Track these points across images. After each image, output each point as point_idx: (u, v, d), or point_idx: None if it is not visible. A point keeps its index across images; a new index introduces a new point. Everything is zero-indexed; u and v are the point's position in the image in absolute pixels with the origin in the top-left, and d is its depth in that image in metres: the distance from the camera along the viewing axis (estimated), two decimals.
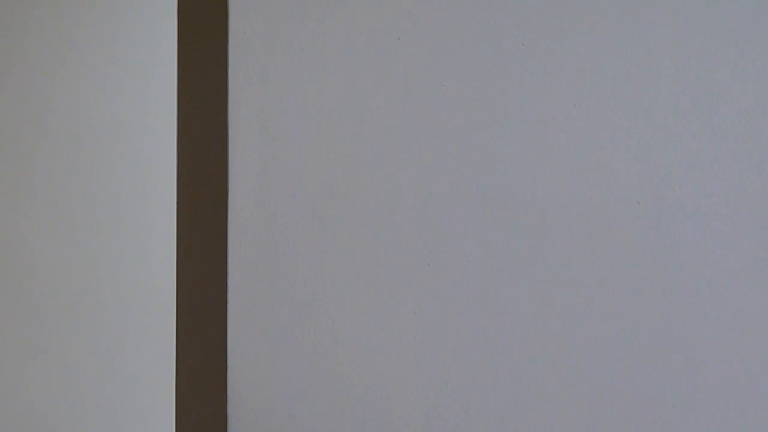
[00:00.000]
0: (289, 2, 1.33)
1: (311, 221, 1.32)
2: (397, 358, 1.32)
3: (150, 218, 3.38)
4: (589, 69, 1.37)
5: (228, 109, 1.31)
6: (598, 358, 1.35)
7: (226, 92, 1.31)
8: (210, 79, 1.34)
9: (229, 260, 1.30)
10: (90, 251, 3.34)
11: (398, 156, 1.34)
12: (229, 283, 1.30)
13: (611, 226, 1.36)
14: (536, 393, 1.34)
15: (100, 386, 3.33)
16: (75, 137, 3.34)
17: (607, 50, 1.37)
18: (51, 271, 3.32)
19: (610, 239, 1.36)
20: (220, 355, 1.30)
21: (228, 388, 1.29)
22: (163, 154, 3.33)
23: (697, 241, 1.37)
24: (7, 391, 3.28)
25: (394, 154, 1.34)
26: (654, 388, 1.36)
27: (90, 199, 3.35)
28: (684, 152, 1.38)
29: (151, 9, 3.39)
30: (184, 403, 1.40)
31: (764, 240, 1.38)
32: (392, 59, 1.34)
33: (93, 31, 3.36)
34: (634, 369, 1.36)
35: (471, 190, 1.34)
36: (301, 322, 1.31)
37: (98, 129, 3.36)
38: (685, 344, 1.36)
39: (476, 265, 1.34)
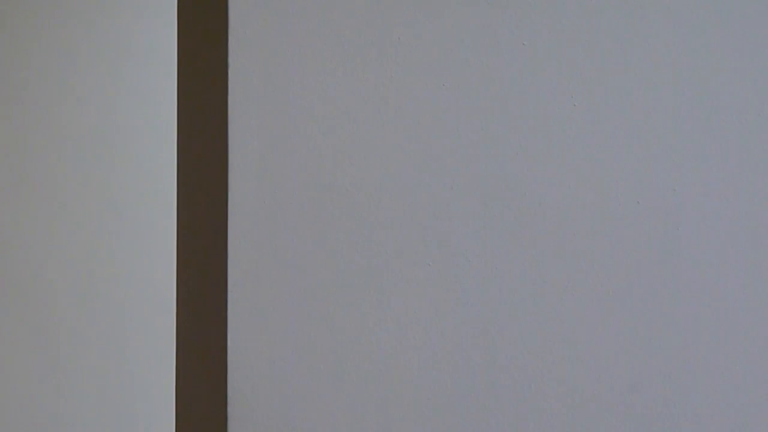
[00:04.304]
0: (289, 2, 1.33)
1: (311, 221, 1.32)
2: (397, 358, 1.32)
3: (150, 218, 3.38)
4: (589, 69, 1.37)
5: (228, 109, 1.31)
6: (598, 357, 1.35)
7: (226, 92, 1.31)
8: (210, 79, 1.34)
9: (229, 260, 1.30)
10: (89, 251, 3.34)
11: (398, 156, 1.34)
12: (229, 283, 1.30)
13: (611, 226, 1.36)
14: (536, 393, 1.34)
15: (100, 386, 3.33)
16: (75, 137, 3.34)
17: (607, 50, 1.37)
18: (50, 271, 3.32)
19: (610, 239, 1.36)
20: (220, 355, 1.30)
21: (228, 388, 1.29)
22: (163, 154, 3.33)
23: (697, 241, 1.37)
24: (6, 391, 3.28)
25: (394, 154, 1.34)
26: (654, 388, 1.36)
27: (89, 198, 3.35)
28: (684, 152, 1.38)
29: (151, 9, 3.39)
30: (184, 403, 1.40)
31: (764, 240, 1.38)
32: (392, 59, 1.34)
33: (93, 31, 3.36)
34: (634, 369, 1.36)
35: (471, 190, 1.34)
36: (301, 322, 1.31)
37: (98, 129, 3.36)
38: (685, 344, 1.36)
39: (476, 265, 1.34)
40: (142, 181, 3.38)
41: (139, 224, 3.38)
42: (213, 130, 1.33)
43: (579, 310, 1.35)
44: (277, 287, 1.31)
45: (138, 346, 3.36)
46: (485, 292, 1.34)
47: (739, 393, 1.37)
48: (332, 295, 1.32)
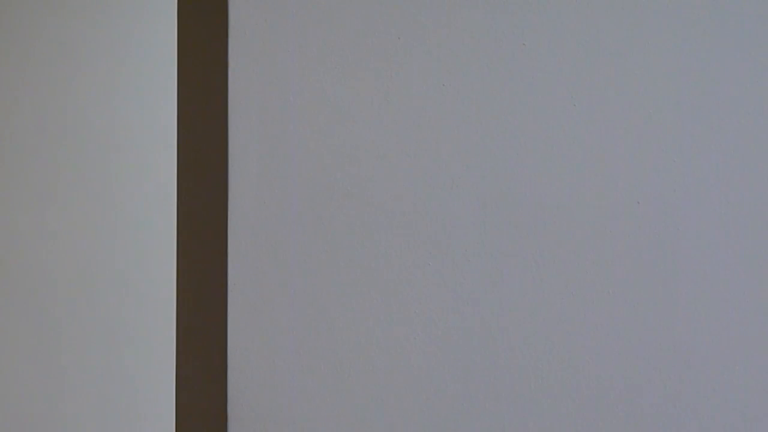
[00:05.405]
0: (289, 2, 1.33)
1: (311, 221, 1.32)
2: (397, 358, 1.32)
3: (150, 218, 3.38)
4: (589, 69, 1.37)
5: (228, 109, 1.31)
6: (598, 357, 1.35)
7: (226, 92, 1.31)
8: (210, 79, 1.34)
9: (229, 260, 1.30)
10: (89, 251, 3.34)
11: (398, 156, 1.34)
12: (229, 283, 1.30)
13: (611, 226, 1.36)
14: (536, 393, 1.34)
15: (100, 386, 3.33)
16: (75, 137, 3.34)
17: (607, 50, 1.37)
18: (50, 271, 3.32)
19: (610, 239, 1.36)
20: (220, 355, 1.30)
21: (228, 388, 1.29)
22: (163, 154, 3.33)
23: (697, 241, 1.37)
24: (6, 391, 3.28)
25: (394, 153, 1.34)
26: (654, 388, 1.36)
27: (90, 198, 3.35)
28: (684, 152, 1.38)
29: (151, 9, 3.39)
30: (184, 402, 1.40)
31: (764, 240, 1.38)
32: (392, 59, 1.34)
33: (92, 31, 3.36)
34: (633, 369, 1.36)
35: (471, 190, 1.34)
36: (301, 322, 1.31)
37: (98, 129, 3.36)
38: (685, 344, 1.36)
39: (476, 265, 1.34)
40: (142, 181, 3.38)
41: (139, 224, 3.38)
42: (213, 130, 1.33)
43: (579, 310, 1.35)
44: (277, 287, 1.31)
45: (138, 346, 3.36)
46: (485, 292, 1.34)
47: (740, 393, 1.37)
48: (332, 295, 1.32)
